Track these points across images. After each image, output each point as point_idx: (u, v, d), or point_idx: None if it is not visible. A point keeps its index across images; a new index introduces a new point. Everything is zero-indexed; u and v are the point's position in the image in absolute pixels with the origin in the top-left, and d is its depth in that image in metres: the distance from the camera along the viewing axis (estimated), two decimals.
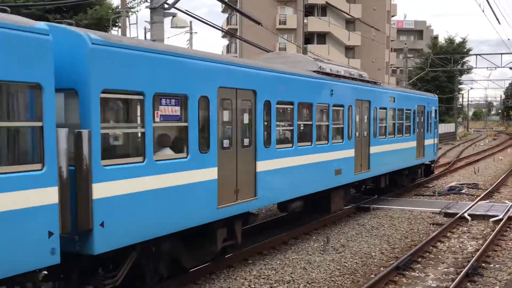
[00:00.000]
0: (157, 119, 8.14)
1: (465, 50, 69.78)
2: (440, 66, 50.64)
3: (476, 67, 44.98)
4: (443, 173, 28.14)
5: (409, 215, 17.35)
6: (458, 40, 71.66)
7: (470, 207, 17.98)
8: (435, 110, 24.13)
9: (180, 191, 8.53)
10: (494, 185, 23.83)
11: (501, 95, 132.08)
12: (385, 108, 17.75)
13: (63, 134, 6.33)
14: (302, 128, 12.76)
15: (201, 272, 10.48)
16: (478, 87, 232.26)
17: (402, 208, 18.23)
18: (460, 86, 74.25)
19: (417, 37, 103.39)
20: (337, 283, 10.53)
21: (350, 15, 42.13)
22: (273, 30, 31.68)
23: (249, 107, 10.48)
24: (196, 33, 39.35)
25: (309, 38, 57.83)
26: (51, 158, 6.15)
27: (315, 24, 55.81)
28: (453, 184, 24.68)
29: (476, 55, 42.58)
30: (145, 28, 36.49)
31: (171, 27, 15.10)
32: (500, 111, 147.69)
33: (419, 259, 12.23)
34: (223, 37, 68.85)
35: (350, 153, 15.13)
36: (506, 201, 19.70)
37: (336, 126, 14.39)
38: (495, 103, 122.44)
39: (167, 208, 8.25)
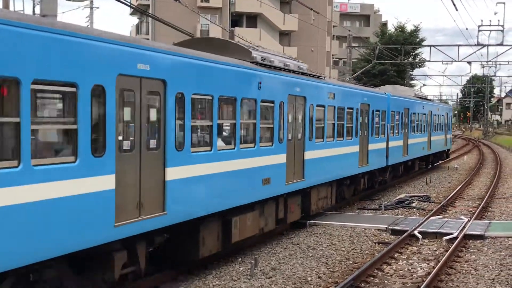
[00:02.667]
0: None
1: (418, 40, 72.24)
2: (389, 58, 51.99)
3: (430, 60, 46.56)
4: (390, 184, 28.83)
5: (351, 232, 17.54)
6: (409, 28, 74.20)
7: (421, 224, 18.42)
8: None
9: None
10: (448, 198, 24.63)
11: (457, 94, 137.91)
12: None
13: None
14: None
15: None
16: (432, 84, 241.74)
17: (343, 224, 18.43)
18: (411, 82, 76.77)
19: (363, 23, 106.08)
20: None
21: None
22: (193, 8, 31.38)
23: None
24: (98, 8, 38.46)
25: (237, 20, 57.92)
26: None
27: (244, 3, 55.99)
28: (401, 196, 25.30)
29: (430, 46, 44.09)
30: (33, 1, 35.41)
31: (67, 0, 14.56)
32: (456, 112, 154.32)
33: (362, 285, 12.32)
34: (132, 14, 67.70)
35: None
36: (462, 217, 20.36)
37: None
38: (451, 102, 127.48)
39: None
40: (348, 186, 22.13)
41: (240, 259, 14.15)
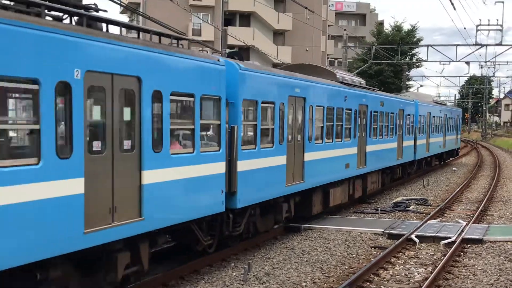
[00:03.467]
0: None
1: (415, 39, 72.41)
2: (386, 58, 52.13)
3: (427, 60, 46.64)
4: (387, 187, 28.94)
5: (347, 236, 17.61)
6: (406, 27, 74.32)
7: (418, 227, 18.51)
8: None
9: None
10: (446, 201, 24.75)
11: (455, 95, 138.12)
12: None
13: None
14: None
15: None
16: (429, 85, 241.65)
17: (339, 228, 18.50)
18: (408, 83, 76.87)
19: (359, 22, 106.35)
20: None
21: None
22: (185, 6, 31.43)
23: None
24: None
25: (230, 19, 58.00)
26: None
27: (237, 1, 56.05)
28: (398, 199, 25.40)
29: (428, 46, 44.24)
30: None
31: None
32: None
33: None
34: (122, 12, 67.70)
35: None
36: (460, 220, 20.46)
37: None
38: (449, 104, 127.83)
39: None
40: (387, 175, 27.23)
41: (233, 264, 14.19)
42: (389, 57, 50.91)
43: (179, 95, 11.37)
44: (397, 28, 74.02)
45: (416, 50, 71.78)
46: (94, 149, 9.10)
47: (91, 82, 8.93)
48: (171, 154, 11.03)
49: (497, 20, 67.59)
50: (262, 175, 14.68)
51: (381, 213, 21.81)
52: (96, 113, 9.26)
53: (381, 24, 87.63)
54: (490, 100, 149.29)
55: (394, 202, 24.47)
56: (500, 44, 42.72)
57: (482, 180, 35.31)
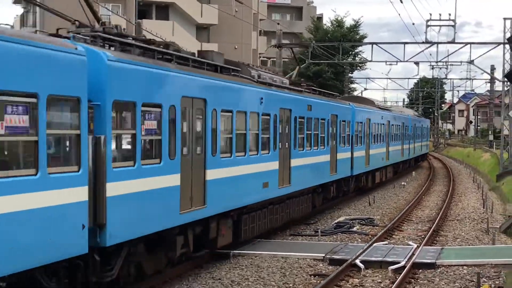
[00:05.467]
0: None
1: (358, 37, 73.80)
2: (325, 58, 52.85)
3: (372, 61, 47.47)
4: (328, 205, 29.28)
5: (282, 263, 17.71)
6: (349, 23, 75.67)
7: (364, 251, 18.80)
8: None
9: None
10: (395, 220, 25.26)
11: (403, 99, 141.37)
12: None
13: None
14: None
15: None
16: (374, 87, 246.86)
17: (274, 254, 18.59)
18: (351, 86, 78.23)
19: (294, 16, 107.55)
20: None
21: None
22: None
23: None
24: None
25: (145, 10, 57.60)
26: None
27: None
28: (341, 219, 25.76)
29: (372, 44, 45.08)
30: None
31: None
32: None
33: None
34: (15, 2, 66.37)
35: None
36: (410, 242, 20.90)
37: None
38: (406, 110, 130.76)
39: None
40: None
41: None
42: (329, 56, 51.58)
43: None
44: (338, 24, 75.19)
45: (360, 48, 73.17)
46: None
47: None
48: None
49: (449, 14, 69.49)
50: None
51: (321, 235, 22.05)
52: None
53: (319, 18, 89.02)
54: (443, 105, 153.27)
55: (336, 223, 24.81)
56: (453, 42, 43.74)
57: (435, 196, 36.23)
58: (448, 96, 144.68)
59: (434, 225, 23.97)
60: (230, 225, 17.91)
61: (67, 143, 11.09)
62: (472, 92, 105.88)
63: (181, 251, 15.21)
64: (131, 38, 14.12)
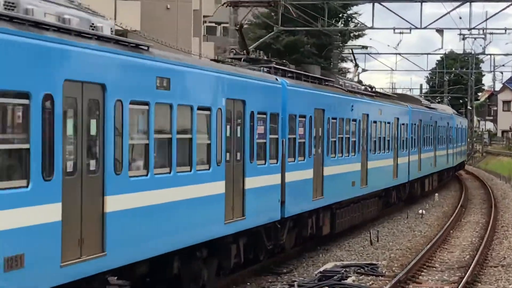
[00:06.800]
0: None
1: None
2: (303, 24, 52.80)
3: (373, 27, 47.61)
4: (308, 244, 29.27)
5: None
6: None
7: None
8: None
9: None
10: (409, 266, 25.20)
11: (421, 85, 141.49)
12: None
13: None
14: None
15: None
16: (377, 68, 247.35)
17: None
18: (343, 65, 78.41)
19: None
20: None
21: None
22: None
23: None
24: None
25: None
26: None
27: None
28: (328, 266, 25.73)
29: (373, 1, 45.28)
30: None
31: None
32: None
33: None
34: None
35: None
36: None
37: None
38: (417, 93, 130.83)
39: None
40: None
41: None
42: (310, 21, 51.53)
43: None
44: None
45: (355, 9, 73.59)
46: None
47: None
48: None
49: None
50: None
51: None
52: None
53: None
54: (479, 94, 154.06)
55: (321, 272, 24.74)
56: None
57: (468, 231, 36.37)
58: (487, 81, 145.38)
59: (467, 274, 23.92)
60: (328, 216, 30.35)
61: (274, 144, 24.81)
62: None
63: (310, 231, 28.65)
64: (287, 66, 28.83)
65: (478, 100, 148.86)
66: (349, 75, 77.26)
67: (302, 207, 27.46)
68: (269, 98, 24.25)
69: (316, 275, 24.38)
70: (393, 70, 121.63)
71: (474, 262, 26.28)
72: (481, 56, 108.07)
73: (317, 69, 32.07)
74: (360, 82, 41.84)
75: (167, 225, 18.33)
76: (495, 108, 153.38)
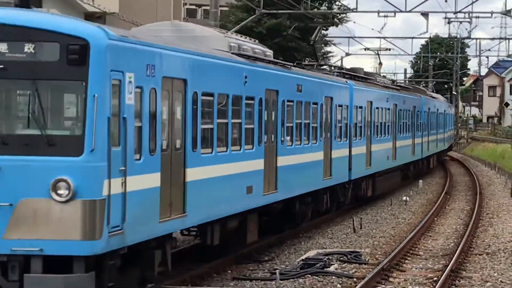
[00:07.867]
0: None
1: None
2: (286, 7, 52.71)
3: (356, 10, 47.73)
4: (290, 232, 29.25)
5: None
6: None
7: None
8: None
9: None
10: (393, 254, 25.26)
11: (405, 69, 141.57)
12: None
13: None
14: None
15: None
16: (361, 53, 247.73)
17: None
18: (328, 50, 78.30)
19: None
20: None
21: None
22: None
23: None
24: None
25: None
26: None
27: None
28: (311, 254, 25.71)
29: None
30: None
31: None
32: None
33: None
34: None
35: None
36: None
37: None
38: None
39: None
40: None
41: None
42: (293, 3, 51.51)
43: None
44: None
45: None
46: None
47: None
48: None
49: None
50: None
51: (281, 279, 21.98)
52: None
53: None
54: (464, 79, 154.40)
55: (303, 260, 24.73)
56: None
57: (452, 218, 36.55)
58: (472, 65, 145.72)
59: (452, 262, 23.97)
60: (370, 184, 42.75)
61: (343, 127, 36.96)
62: (509, 59, 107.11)
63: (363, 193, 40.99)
64: (348, 70, 42.96)
65: (464, 85, 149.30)
66: (335, 60, 77.42)
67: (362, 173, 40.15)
68: (343, 94, 36.44)
69: (298, 263, 24.37)
70: (377, 53, 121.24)
71: (458, 249, 26.39)
72: (466, 41, 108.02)
73: (360, 70, 46.19)
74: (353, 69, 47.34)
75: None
76: (481, 94, 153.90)
